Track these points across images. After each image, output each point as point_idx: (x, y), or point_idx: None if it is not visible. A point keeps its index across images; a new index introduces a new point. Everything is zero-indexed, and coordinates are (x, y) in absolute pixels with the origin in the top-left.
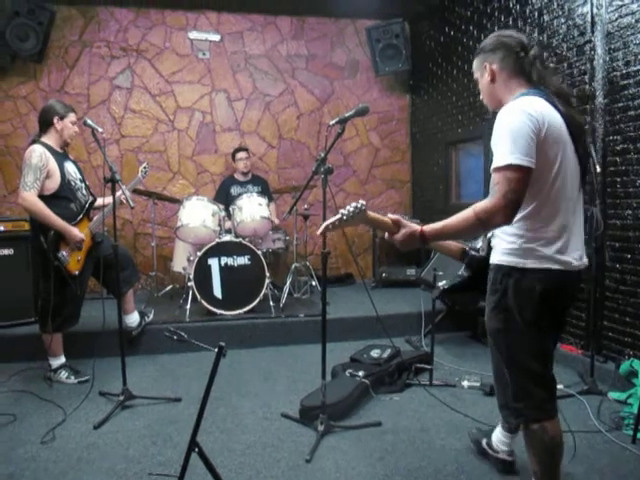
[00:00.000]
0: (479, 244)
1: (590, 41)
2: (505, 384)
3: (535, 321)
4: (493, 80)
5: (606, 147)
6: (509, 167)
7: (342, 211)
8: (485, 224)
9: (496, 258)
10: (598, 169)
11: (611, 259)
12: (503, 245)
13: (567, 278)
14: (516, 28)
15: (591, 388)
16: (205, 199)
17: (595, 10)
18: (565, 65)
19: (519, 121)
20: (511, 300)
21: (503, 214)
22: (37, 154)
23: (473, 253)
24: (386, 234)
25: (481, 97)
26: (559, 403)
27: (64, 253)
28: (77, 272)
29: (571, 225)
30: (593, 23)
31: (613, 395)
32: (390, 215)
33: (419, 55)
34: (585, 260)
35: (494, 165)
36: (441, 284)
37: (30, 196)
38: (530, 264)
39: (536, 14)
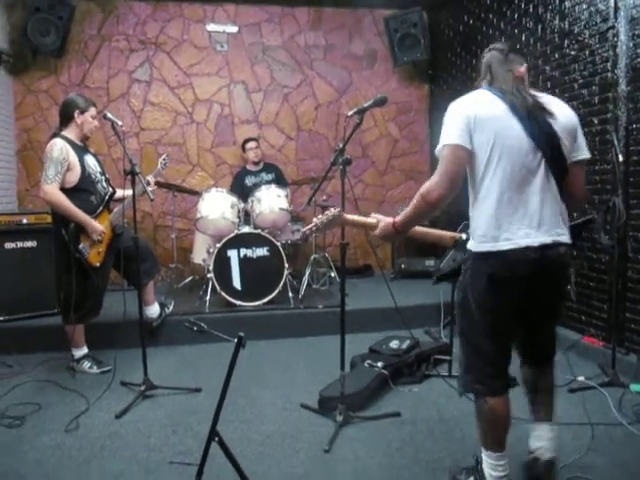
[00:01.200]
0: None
1: (613, 27)
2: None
3: (482, 301)
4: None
5: (629, 135)
6: (443, 148)
7: (315, 220)
8: (427, 199)
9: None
10: (621, 158)
11: (633, 250)
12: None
13: (516, 260)
14: (536, 15)
15: (612, 380)
16: (224, 191)
17: None
18: (587, 52)
19: (454, 111)
20: (466, 280)
21: (438, 186)
22: (58, 148)
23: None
24: (371, 233)
25: None
26: (580, 395)
27: (85, 245)
28: (98, 264)
29: (519, 205)
30: (616, 8)
31: (635, 387)
32: (373, 214)
33: (438, 44)
34: (544, 240)
35: (437, 149)
36: (440, 267)
37: (52, 189)
38: (476, 247)
39: (557, 0)
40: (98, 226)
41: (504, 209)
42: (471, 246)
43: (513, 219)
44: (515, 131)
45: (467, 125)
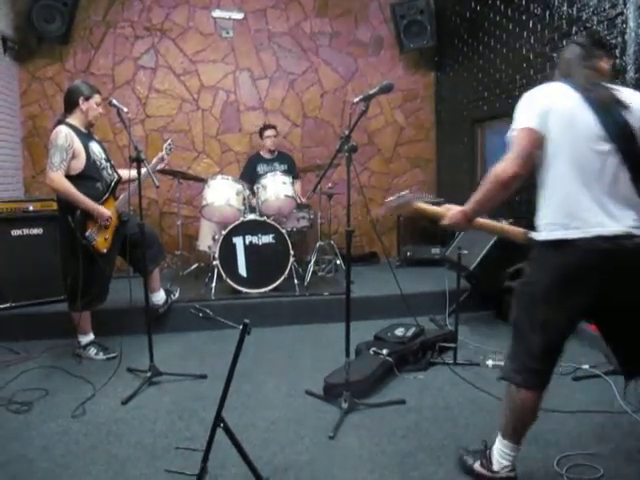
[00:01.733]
0: None
1: (622, 13)
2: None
3: (544, 294)
4: None
5: None
6: (517, 131)
7: (389, 200)
8: (501, 179)
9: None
10: None
11: None
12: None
13: (585, 250)
14: (544, 1)
15: (617, 368)
16: (230, 178)
17: None
18: None
19: (529, 98)
20: (529, 270)
21: (513, 164)
22: (62, 135)
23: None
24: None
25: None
26: (585, 383)
27: (92, 232)
28: (105, 250)
29: (589, 194)
30: None
31: None
32: (445, 205)
33: (444, 31)
34: (616, 229)
35: (508, 134)
36: (447, 254)
37: (57, 176)
38: (544, 235)
39: None
40: (105, 211)
41: (574, 197)
42: (537, 235)
43: (582, 207)
44: (588, 122)
45: (542, 112)
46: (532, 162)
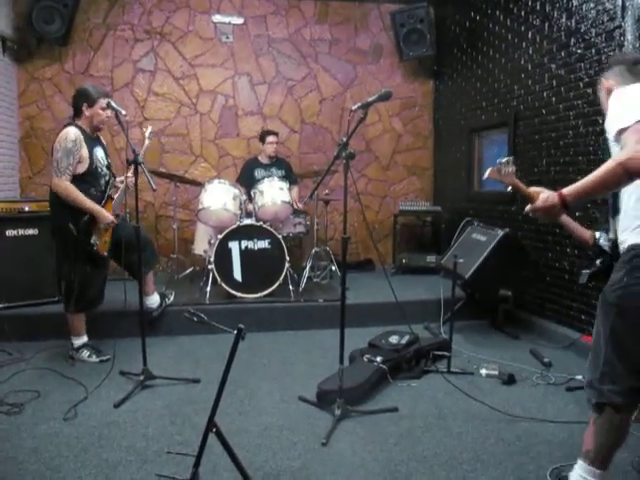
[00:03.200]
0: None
1: (620, 26)
2: (597, 362)
3: None
4: (609, 93)
5: None
6: (635, 123)
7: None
8: (629, 169)
9: (630, 239)
10: None
11: None
12: (635, 224)
13: None
14: (543, 13)
15: None
16: (227, 182)
17: None
18: (593, 51)
19: (635, 90)
20: (635, 280)
21: None
22: (72, 138)
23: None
24: (528, 206)
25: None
26: (578, 394)
27: (95, 236)
28: (106, 253)
29: None
30: (624, 8)
31: None
32: (532, 188)
33: (444, 40)
34: None
35: (619, 127)
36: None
37: (63, 182)
38: None
39: None
40: (109, 215)
41: None
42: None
43: None
44: None
45: None
46: None
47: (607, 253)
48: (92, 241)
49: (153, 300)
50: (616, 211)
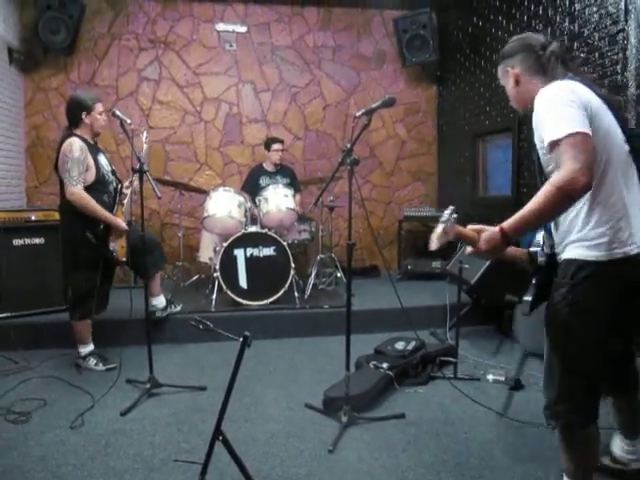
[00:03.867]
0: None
1: (623, 30)
2: (551, 382)
3: (603, 317)
4: (517, 82)
5: None
6: (568, 136)
7: (437, 231)
8: (569, 193)
9: (567, 253)
10: None
11: None
12: (572, 237)
13: (635, 266)
14: (546, 17)
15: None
16: (231, 190)
17: None
18: (596, 55)
19: (564, 96)
20: (579, 295)
21: (582, 175)
22: (77, 147)
23: (539, 250)
24: (469, 249)
25: (510, 103)
26: None
27: (113, 244)
28: (125, 258)
29: (629, 205)
30: (627, 11)
31: None
32: (471, 226)
33: (447, 46)
34: None
35: (551, 139)
36: (448, 267)
37: (78, 191)
38: (601, 256)
39: (567, 2)
40: (123, 224)
41: (628, 209)
42: (588, 255)
43: (636, 220)
44: (614, 123)
45: (585, 112)
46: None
47: (543, 269)
48: (111, 248)
49: (159, 300)
50: (555, 225)
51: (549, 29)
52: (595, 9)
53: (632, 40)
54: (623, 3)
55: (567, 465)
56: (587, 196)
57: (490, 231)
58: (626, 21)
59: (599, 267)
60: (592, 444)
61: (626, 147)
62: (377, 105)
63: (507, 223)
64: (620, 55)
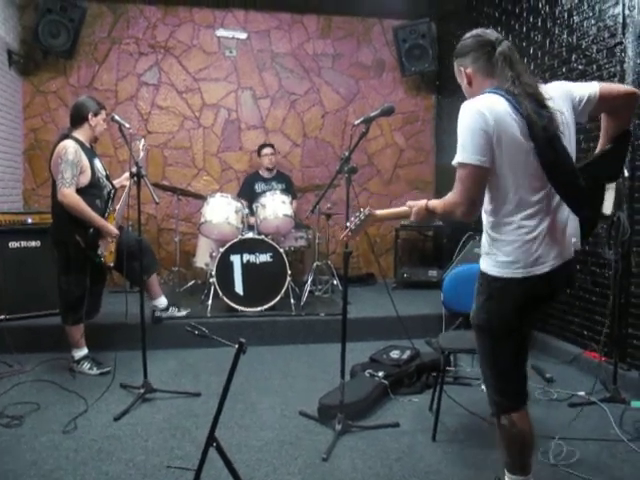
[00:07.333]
0: None
1: (621, 43)
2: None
3: (513, 324)
4: (470, 83)
5: (635, 151)
6: (460, 165)
7: (348, 224)
8: (450, 216)
9: (482, 263)
10: (626, 173)
11: (637, 265)
12: (485, 249)
13: (540, 281)
14: (545, 29)
15: (614, 396)
16: (229, 196)
17: (627, 11)
18: (594, 67)
19: (471, 121)
20: (493, 305)
21: (460, 211)
22: (72, 150)
23: None
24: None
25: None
26: (584, 410)
27: (102, 248)
28: (112, 264)
29: (542, 229)
30: (624, 24)
31: (636, 404)
32: (408, 202)
33: (446, 56)
34: (568, 256)
35: (455, 161)
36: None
37: (70, 193)
38: (508, 273)
39: (566, 15)
40: (114, 229)
41: (542, 230)
42: (498, 272)
43: (541, 245)
44: (529, 152)
45: (488, 136)
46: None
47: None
48: (99, 252)
49: (161, 301)
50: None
51: (547, 40)
52: (593, 22)
53: (630, 53)
54: (621, 16)
55: (506, 459)
56: (491, 218)
57: (418, 206)
58: (624, 34)
59: (510, 282)
60: (520, 430)
61: (538, 172)
62: (376, 113)
63: (432, 202)
64: (618, 68)
